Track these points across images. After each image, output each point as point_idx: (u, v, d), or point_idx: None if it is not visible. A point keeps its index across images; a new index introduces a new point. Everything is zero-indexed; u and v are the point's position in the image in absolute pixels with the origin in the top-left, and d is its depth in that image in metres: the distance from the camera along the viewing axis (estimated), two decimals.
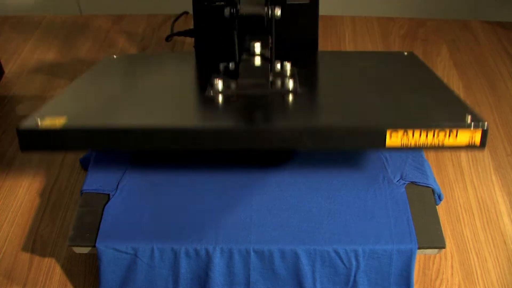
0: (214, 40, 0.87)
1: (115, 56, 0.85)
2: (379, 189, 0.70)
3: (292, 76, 0.67)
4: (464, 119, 0.54)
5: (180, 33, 1.00)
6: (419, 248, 0.64)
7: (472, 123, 0.54)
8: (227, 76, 0.68)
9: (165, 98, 0.66)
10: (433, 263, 0.72)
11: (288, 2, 0.82)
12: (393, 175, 0.71)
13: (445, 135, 0.54)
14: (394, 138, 0.54)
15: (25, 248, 0.75)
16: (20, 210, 0.80)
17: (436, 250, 0.68)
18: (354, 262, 0.64)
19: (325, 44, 1.13)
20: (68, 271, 0.72)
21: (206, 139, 0.55)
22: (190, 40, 1.10)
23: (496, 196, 0.81)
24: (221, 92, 0.65)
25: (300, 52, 0.81)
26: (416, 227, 0.65)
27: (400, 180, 0.71)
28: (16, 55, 1.12)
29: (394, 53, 0.84)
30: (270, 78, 0.66)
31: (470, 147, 0.55)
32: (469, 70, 1.07)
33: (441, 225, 0.66)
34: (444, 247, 0.65)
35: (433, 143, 0.54)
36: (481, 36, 1.16)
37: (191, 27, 0.91)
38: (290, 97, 0.58)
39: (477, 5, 1.33)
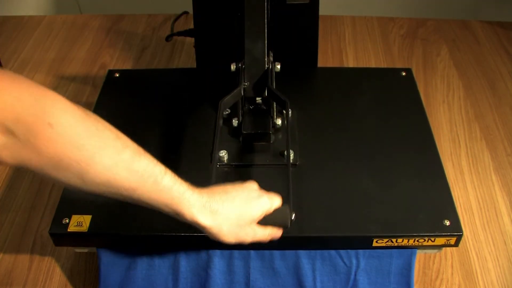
0: (214, 40, 0.87)
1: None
2: None
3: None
4: (442, 227, 0.62)
5: (180, 33, 1.00)
6: (419, 247, 0.64)
7: (449, 231, 0.62)
8: (230, 134, 0.74)
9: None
10: (433, 263, 0.72)
11: (288, 2, 0.82)
12: None
13: (424, 241, 0.62)
14: (379, 243, 0.63)
15: (25, 248, 0.74)
16: (20, 210, 0.80)
17: (436, 250, 0.68)
18: (354, 261, 0.64)
19: (325, 44, 1.13)
20: (68, 271, 0.72)
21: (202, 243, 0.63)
22: (190, 40, 1.10)
23: (496, 196, 0.81)
24: (226, 166, 0.70)
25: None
26: None
27: None
28: (16, 55, 1.12)
29: (389, 78, 0.86)
30: (272, 140, 0.72)
31: (445, 245, 0.64)
32: (469, 70, 1.07)
33: None
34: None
35: (413, 245, 0.63)
36: (481, 36, 1.16)
37: (191, 27, 0.91)
38: (291, 175, 0.61)
39: (477, 5, 1.33)
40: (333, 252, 0.64)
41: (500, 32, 1.17)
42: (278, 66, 0.73)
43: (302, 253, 0.64)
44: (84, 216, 0.63)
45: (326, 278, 0.65)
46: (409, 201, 0.65)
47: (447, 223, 0.62)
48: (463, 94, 1.00)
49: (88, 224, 0.63)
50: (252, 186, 0.57)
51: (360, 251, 0.64)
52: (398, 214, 0.64)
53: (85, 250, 0.68)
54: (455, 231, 0.62)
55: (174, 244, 0.64)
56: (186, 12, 1.19)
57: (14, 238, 0.76)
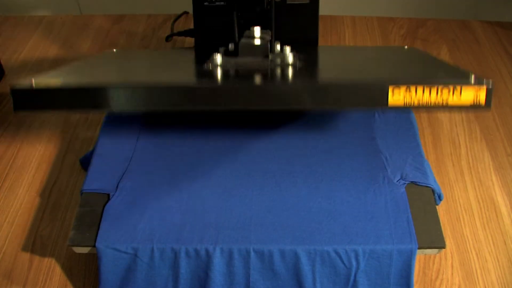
0: (214, 40, 0.87)
1: (114, 50, 0.86)
2: (379, 189, 0.70)
3: (291, 53, 0.65)
4: (468, 77, 0.52)
5: (180, 33, 1.00)
6: (419, 248, 0.64)
7: (477, 80, 0.52)
8: (228, 56, 0.67)
9: (164, 70, 0.65)
10: (433, 263, 0.72)
11: (288, 2, 0.82)
12: (393, 175, 0.71)
13: (449, 93, 0.52)
14: (396, 96, 0.52)
15: (25, 248, 0.75)
16: (20, 210, 0.80)
17: (436, 250, 0.68)
18: (354, 262, 0.64)
19: (325, 44, 1.13)
20: (68, 271, 0.72)
21: (205, 97, 0.54)
22: (190, 40, 1.10)
23: (496, 196, 0.81)
24: (220, 66, 0.63)
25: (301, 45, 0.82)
26: (416, 227, 0.65)
27: (400, 180, 0.71)
28: (17, 54, 1.12)
29: (394, 46, 0.84)
30: (270, 57, 0.65)
31: (475, 106, 0.53)
32: (469, 70, 1.07)
33: (441, 225, 0.66)
34: (444, 247, 0.65)
35: (437, 102, 0.52)
36: (481, 36, 1.16)
37: (191, 27, 0.91)
38: (290, 69, 0.56)
39: (477, 5, 1.33)
40: (332, 253, 0.64)
41: (500, 32, 1.17)
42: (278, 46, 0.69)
43: (302, 254, 0.64)
44: (55, 78, 0.55)
45: (326, 280, 0.65)
46: (430, 65, 0.58)
47: (473, 77, 0.53)
48: None
49: (58, 83, 0.54)
50: None
51: (360, 252, 0.64)
52: (418, 69, 0.56)
53: (86, 251, 0.68)
54: (484, 83, 0.52)
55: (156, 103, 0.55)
56: (186, 12, 1.19)
57: (14, 238, 0.76)
